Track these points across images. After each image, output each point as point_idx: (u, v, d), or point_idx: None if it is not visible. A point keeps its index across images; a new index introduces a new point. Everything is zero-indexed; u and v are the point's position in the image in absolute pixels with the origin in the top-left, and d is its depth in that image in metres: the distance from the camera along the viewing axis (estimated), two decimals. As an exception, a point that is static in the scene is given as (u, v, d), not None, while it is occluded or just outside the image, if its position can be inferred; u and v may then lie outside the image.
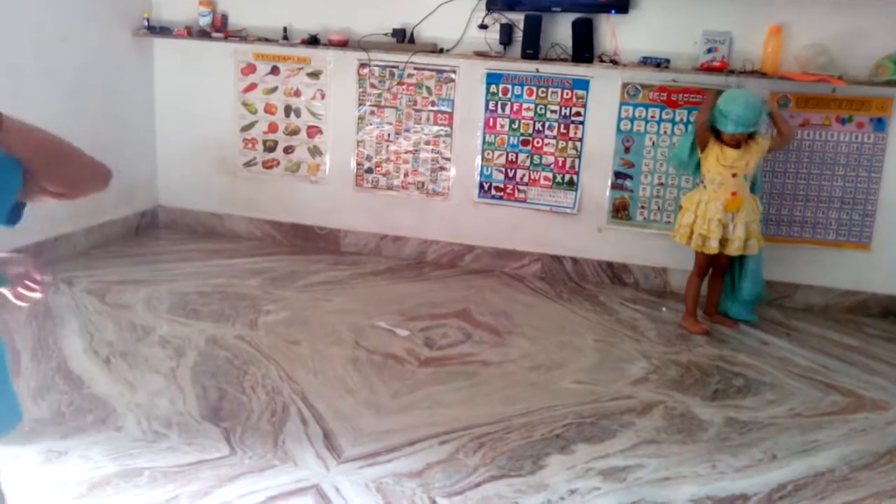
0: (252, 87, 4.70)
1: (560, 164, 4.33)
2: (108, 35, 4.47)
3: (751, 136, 3.57)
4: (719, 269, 3.76)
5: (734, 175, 3.53)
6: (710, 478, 2.45)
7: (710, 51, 3.93)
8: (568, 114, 4.27)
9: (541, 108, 4.30)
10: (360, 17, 4.40)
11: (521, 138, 4.36)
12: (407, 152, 4.53)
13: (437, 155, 4.49)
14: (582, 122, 4.26)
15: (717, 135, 3.56)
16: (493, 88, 4.34)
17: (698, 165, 3.69)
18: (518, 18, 4.14)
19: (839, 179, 4.03)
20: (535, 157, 4.36)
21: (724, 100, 3.53)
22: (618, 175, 4.26)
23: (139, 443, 2.45)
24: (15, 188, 1.24)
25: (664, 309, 4.01)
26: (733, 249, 3.57)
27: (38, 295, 1.45)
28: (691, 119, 4.05)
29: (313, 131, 4.67)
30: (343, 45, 4.35)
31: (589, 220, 4.36)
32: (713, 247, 3.57)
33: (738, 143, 3.52)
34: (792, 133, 3.67)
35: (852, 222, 4.06)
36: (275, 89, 4.68)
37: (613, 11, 4.02)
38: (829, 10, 3.82)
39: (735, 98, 3.51)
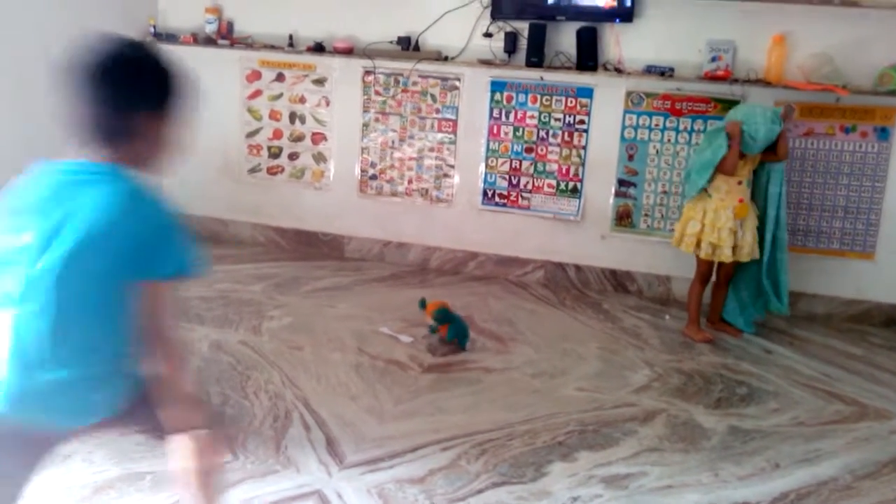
0: (257, 93, 4.72)
1: (564, 171, 4.34)
2: (114, 41, 4.49)
3: None
4: (725, 277, 3.75)
5: (739, 183, 3.54)
6: (712, 486, 2.44)
7: (714, 59, 3.93)
8: (572, 122, 4.28)
9: (545, 116, 4.31)
10: (366, 25, 4.42)
11: (525, 146, 4.37)
12: (411, 159, 4.54)
13: (441, 162, 4.50)
14: (586, 130, 4.27)
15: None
16: (497, 96, 4.35)
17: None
18: (522, 27, 4.16)
19: (843, 189, 4.03)
20: (539, 164, 4.36)
21: (746, 122, 3.44)
22: (621, 183, 4.27)
23: (142, 447, 2.45)
24: None
25: (667, 317, 4.01)
26: (744, 255, 3.58)
27: None
28: (696, 127, 4.06)
29: (318, 138, 4.68)
30: (348, 52, 4.37)
31: (592, 227, 4.36)
32: (727, 255, 3.57)
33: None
34: (786, 155, 3.64)
35: (856, 231, 4.05)
36: (280, 96, 4.69)
37: (618, 20, 4.03)
38: (833, 20, 3.83)
39: (754, 116, 3.44)
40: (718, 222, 3.56)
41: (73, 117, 1.44)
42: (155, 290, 1.40)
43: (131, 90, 1.47)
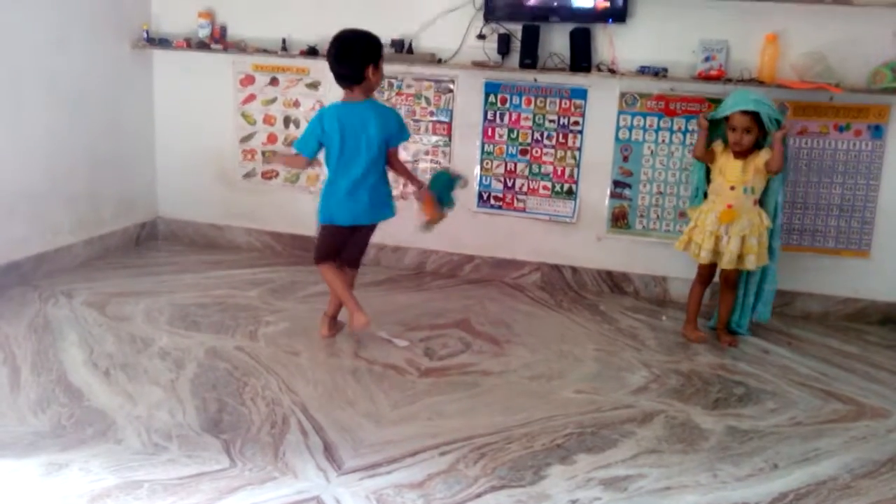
0: (251, 98, 4.72)
1: (559, 173, 4.34)
2: (107, 46, 4.48)
3: (758, 147, 3.52)
4: (728, 284, 3.68)
5: (732, 188, 3.50)
6: (711, 487, 2.44)
7: (707, 59, 3.94)
8: (566, 123, 4.28)
9: (539, 118, 4.31)
10: (359, 28, 4.40)
11: (520, 148, 4.37)
12: (406, 162, 4.52)
13: (436, 165, 4.49)
14: (580, 132, 4.27)
15: (725, 142, 3.55)
16: (491, 98, 4.35)
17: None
18: (516, 28, 4.16)
19: (837, 187, 4.04)
20: (534, 166, 4.36)
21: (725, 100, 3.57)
22: (617, 184, 4.27)
23: (139, 455, 2.45)
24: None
25: (664, 318, 4.01)
26: (724, 262, 3.55)
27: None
28: (690, 127, 4.07)
29: (312, 142, 4.67)
30: (342, 56, 4.35)
31: (588, 229, 4.36)
32: (703, 257, 3.57)
33: (744, 150, 3.46)
34: (779, 166, 3.49)
35: (851, 230, 4.06)
36: (274, 100, 4.69)
37: (611, 21, 4.03)
38: (826, 18, 3.84)
39: (733, 93, 3.57)
40: (703, 223, 3.57)
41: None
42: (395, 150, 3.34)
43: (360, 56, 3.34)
